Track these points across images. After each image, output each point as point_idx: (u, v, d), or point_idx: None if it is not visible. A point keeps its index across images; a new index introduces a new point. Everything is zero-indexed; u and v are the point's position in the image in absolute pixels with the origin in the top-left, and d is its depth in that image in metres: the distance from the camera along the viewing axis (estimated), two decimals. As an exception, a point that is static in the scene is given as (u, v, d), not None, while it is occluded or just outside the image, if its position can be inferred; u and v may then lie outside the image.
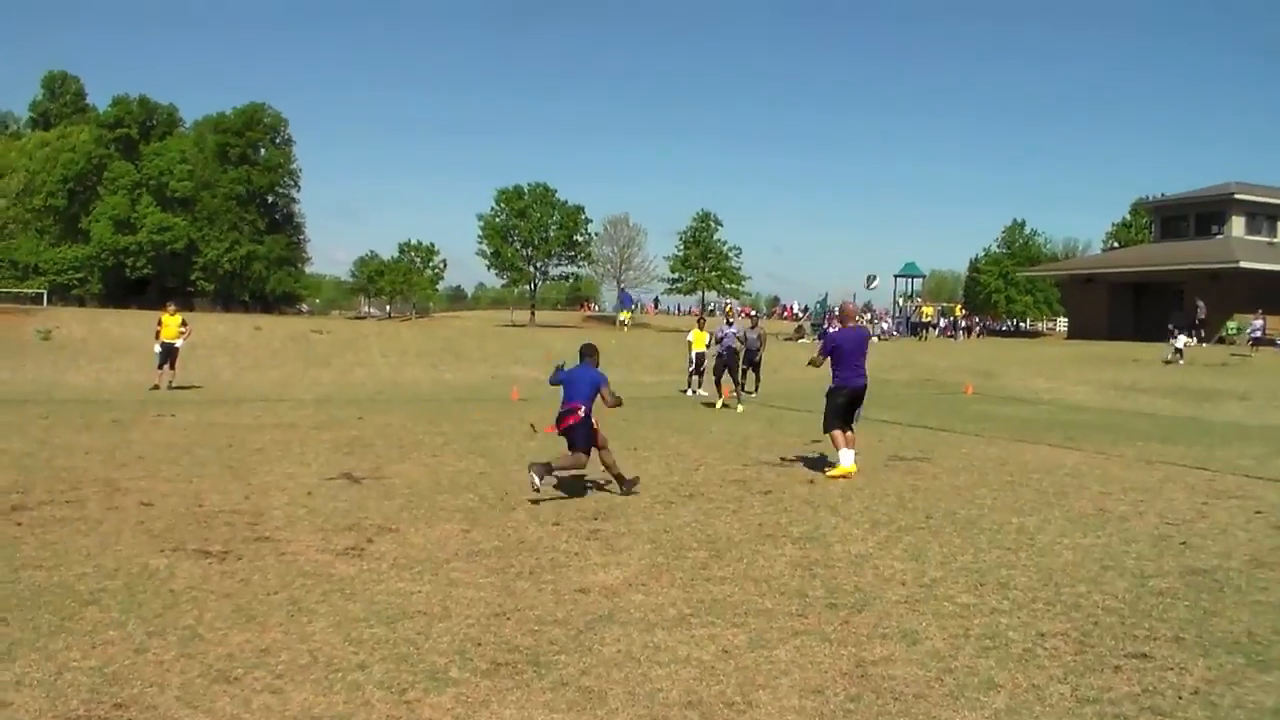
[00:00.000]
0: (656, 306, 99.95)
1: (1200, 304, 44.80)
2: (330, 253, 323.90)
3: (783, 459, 14.08)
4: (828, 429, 12.81)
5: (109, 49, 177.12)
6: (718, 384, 24.12)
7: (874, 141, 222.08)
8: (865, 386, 13.02)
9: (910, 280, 67.94)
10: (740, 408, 22.12)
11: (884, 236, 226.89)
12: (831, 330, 14.54)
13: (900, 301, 67.15)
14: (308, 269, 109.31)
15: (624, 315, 72.57)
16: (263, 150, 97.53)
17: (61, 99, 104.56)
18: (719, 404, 23.17)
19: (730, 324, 24.84)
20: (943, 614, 6.63)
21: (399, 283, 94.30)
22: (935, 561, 8.07)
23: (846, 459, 12.47)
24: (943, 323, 62.90)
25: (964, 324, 63.55)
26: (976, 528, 9.43)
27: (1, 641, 5.69)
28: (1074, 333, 58.38)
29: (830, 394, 12.90)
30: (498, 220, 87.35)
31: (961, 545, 8.68)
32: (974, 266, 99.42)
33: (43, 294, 77.52)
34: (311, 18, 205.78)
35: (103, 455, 12.92)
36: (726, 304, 26.83)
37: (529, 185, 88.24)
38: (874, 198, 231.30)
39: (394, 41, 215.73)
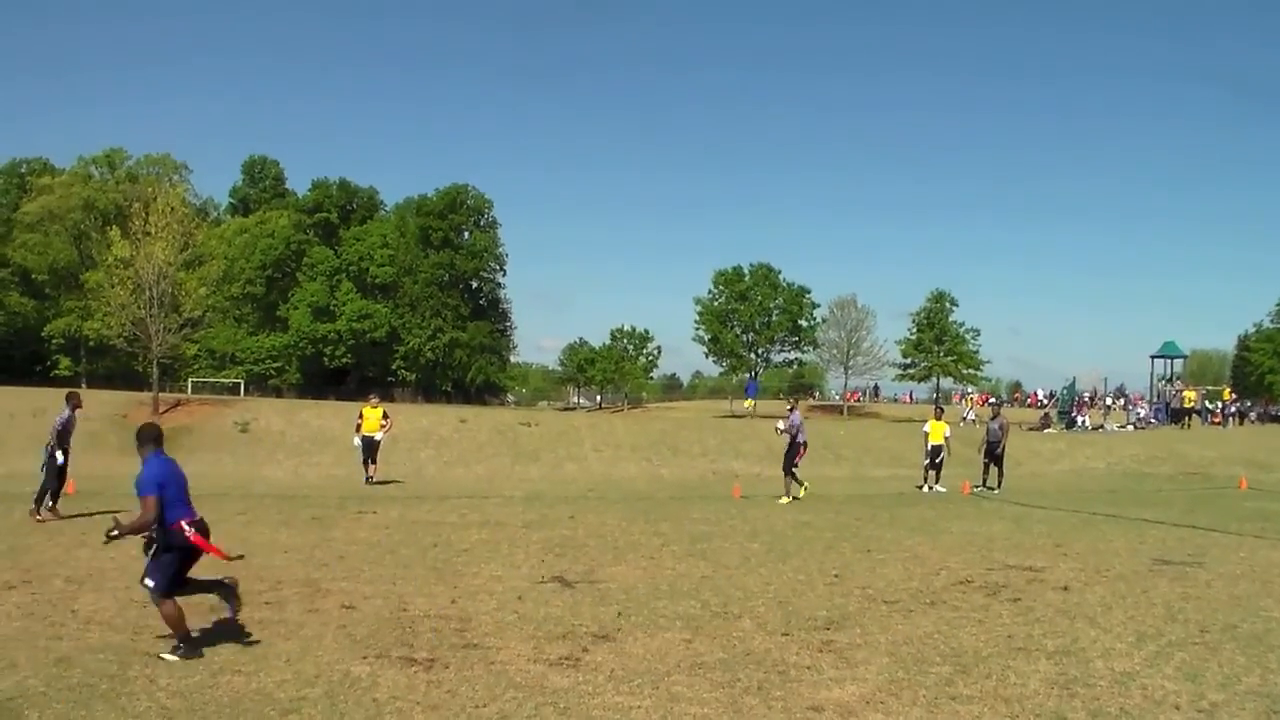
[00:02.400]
0: (878, 395, 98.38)
1: None
2: (536, 339, 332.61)
3: (1031, 564, 13.50)
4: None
5: (309, 131, 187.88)
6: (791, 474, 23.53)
7: (1121, 210, 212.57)
8: None
9: (1169, 362, 65.02)
10: (784, 499, 22.41)
11: (1136, 314, 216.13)
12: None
13: (1158, 385, 64.32)
14: (513, 357, 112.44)
15: (748, 403, 71.83)
16: (466, 233, 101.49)
17: (261, 184, 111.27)
18: (787, 498, 22.80)
19: (793, 409, 24.34)
20: (1224, 745, 6.18)
21: (610, 371, 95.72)
22: (1214, 683, 7.62)
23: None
24: (1208, 408, 59.97)
25: (1233, 409, 60.41)
26: (1263, 645, 8.86)
27: (200, 751, 5.88)
28: (1370, 417, 54.63)
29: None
30: (716, 304, 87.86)
31: (1246, 665, 8.17)
32: (1243, 344, 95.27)
33: (239, 384, 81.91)
34: (515, 96, 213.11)
35: (302, 554, 13.47)
36: (790, 401, 25.57)
37: (750, 265, 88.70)
38: (1123, 272, 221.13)
39: (601, 119, 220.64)
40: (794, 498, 22.65)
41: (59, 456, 17.55)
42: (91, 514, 17.44)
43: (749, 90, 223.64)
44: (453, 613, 9.80)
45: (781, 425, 23.81)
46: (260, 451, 32.52)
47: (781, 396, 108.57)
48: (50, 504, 17.31)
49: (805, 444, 23.51)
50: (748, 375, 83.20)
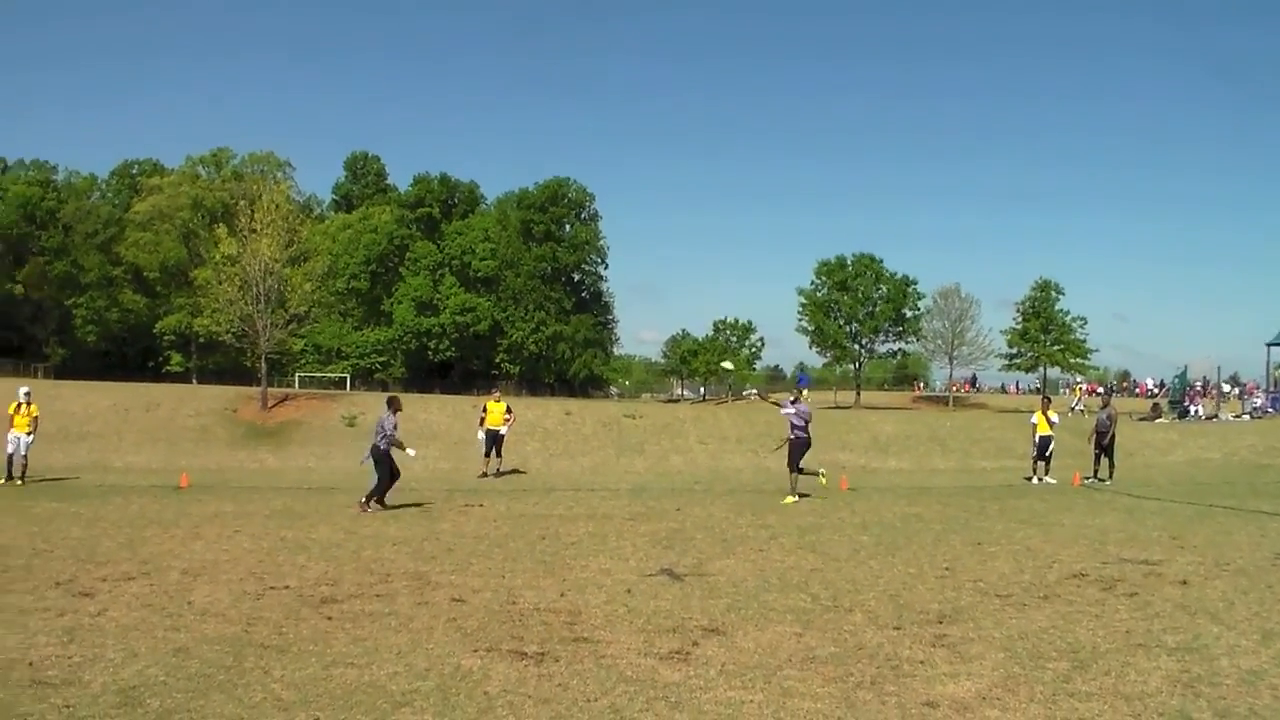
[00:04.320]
0: (974, 385, 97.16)
1: None
2: (637, 332, 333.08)
3: (1147, 558, 13.18)
4: None
5: (408, 127, 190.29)
6: (801, 470, 21.38)
7: (1230, 196, 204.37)
8: None
9: (1286, 349, 63.08)
10: (790, 499, 20.57)
11: (1249, 301, 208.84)
12: None
13: (1275, 373, 62.29)
14: (615, 350, 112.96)
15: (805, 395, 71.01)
16: (568, 226, 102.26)
17: (363, 180, 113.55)
18: (793, 497, 20.78)
19: (795, 400, 22.01)
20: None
21: (713, 363, 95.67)
22: (1348, 684, 7.32)
23: None
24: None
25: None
26: (1397, 644, 8.52)
27: (316, 742, 5.96)
28: None
29: None
30: (819, 294, 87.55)
31: (1382, 665, 7.84)
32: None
33: (345, 378, 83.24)
34: (611, 87, 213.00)
35: (411, 547, 13.63)
36: (795, 393, 22.14)
37: (853, 256, 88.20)
38: (1234, 258, 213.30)
39: (699, 108, 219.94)
40: (801, 495, 20.92)
41: (372, 454, 18.74)
42: (402, 506, 17.83)
43: (848, 78, 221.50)
44: (562, 606, 9.83)
45: (789, 410, 21.71)
46: (367, 445, 32.98)
47: (886, 388, 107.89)
48: (376, 500, 18.25)
49: (793, 439, 21.43)
50: (799, 370, 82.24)
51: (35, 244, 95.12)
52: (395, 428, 18.76)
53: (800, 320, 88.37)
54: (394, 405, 19.45)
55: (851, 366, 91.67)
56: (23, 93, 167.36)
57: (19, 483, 22.69)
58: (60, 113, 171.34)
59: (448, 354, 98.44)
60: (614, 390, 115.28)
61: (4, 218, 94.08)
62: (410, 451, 19.25)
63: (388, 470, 18.53)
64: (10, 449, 23.16)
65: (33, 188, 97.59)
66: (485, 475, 26.31)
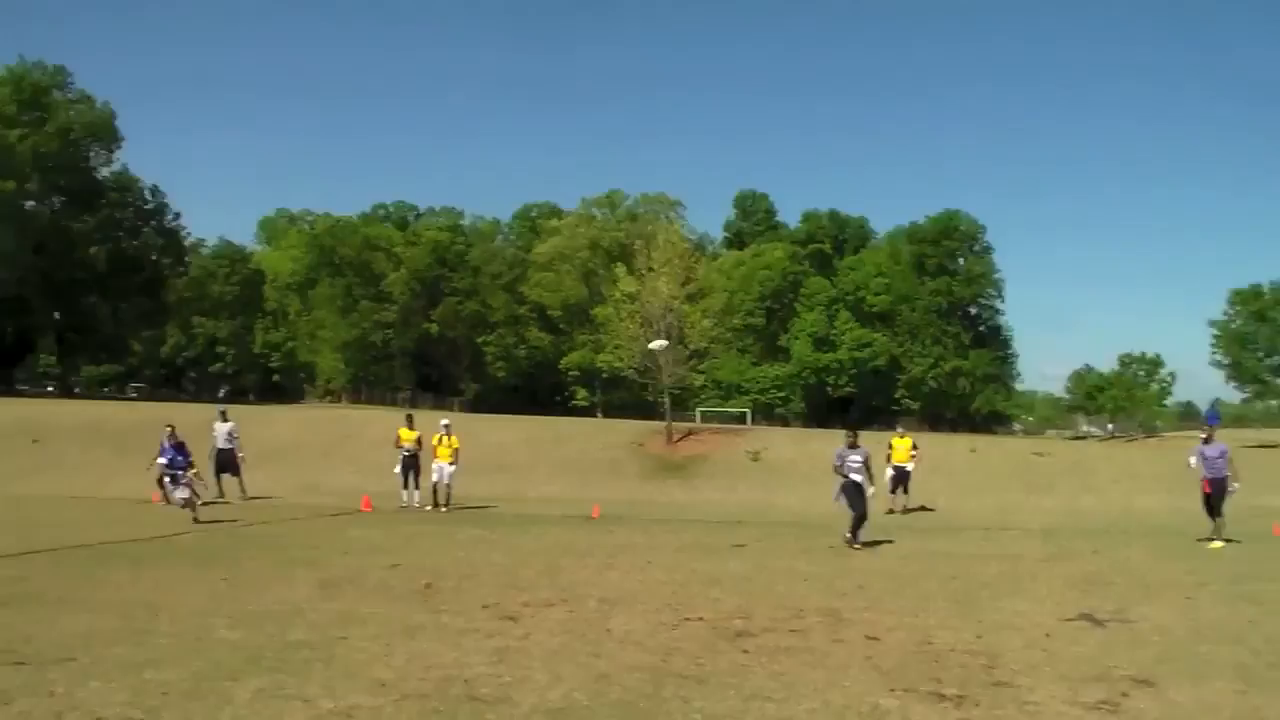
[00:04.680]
0: None
1: None
2: (1039, 367, 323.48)
3: None
4: None
5: (794, 163, 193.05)
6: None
7: None
8: None
9: None
10: (1218, 543, 18.74)
11: None
12: None
13: None
14: (1017, 385, 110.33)
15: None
16: (961, 259, 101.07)
17: (753, 217, 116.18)
18: (1220, 542, 19.00)
19: (1207, 440, 20.14)
20: None
21: (1121, 399, 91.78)
22: None
23: None
24: None
25: None
26: None
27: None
28: None
29: None
30: (1233, 326, 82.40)
31: None
32: None
33: (745, 413, 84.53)
34: (1002, 120, 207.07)
35: (822, 583, 13.65)
36: (1206, 431, 19.35)
37: (1269, 284, 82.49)
38: None
39: (1101, 134, 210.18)
40: (1228, 540, 19.12)
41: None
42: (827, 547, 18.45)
43: (1246, 102, 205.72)
44: (979, 648, 9.59)
45: (1194, 461, 20.06)
46: (772, 480, 33.34)
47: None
48: (851, 532, 18.40)
49: (1211, 480, 19.77)
50: (1211, 405, 76.76)
51: (447, 285, 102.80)
52: (842, 460, 18.40)
53: (1214, 353, 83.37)
54: (850, 439, 18.95)
55: (1275, 402, 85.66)
56: (433, 145, 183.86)
57: (443, 510, 24.27)
58: (465, 161, 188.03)
59: (846, 389, 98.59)
60: (1017, 426, 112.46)
61: (419, 261, 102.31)
62: (856, 477, 18.70)
63: (857, 504, 18.23)
64: (435, 477, 24.75)
65: (443, 233, 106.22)
66: (892, 511, 26.10)
